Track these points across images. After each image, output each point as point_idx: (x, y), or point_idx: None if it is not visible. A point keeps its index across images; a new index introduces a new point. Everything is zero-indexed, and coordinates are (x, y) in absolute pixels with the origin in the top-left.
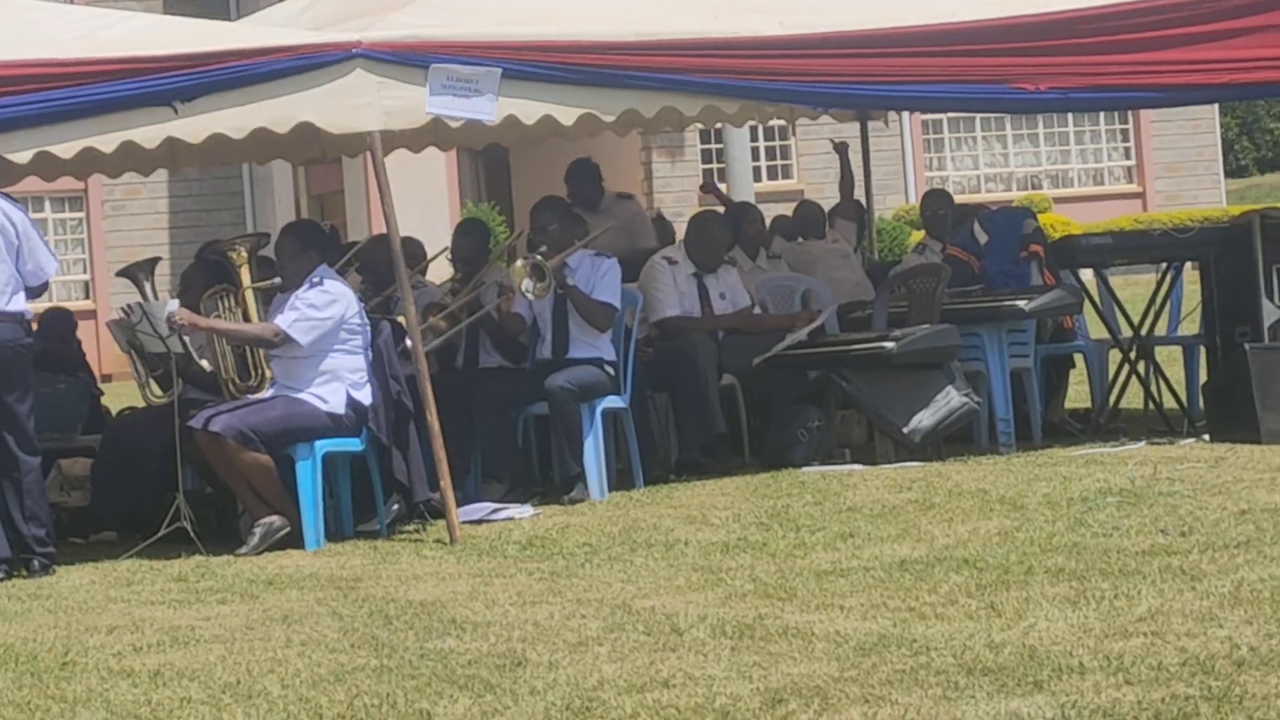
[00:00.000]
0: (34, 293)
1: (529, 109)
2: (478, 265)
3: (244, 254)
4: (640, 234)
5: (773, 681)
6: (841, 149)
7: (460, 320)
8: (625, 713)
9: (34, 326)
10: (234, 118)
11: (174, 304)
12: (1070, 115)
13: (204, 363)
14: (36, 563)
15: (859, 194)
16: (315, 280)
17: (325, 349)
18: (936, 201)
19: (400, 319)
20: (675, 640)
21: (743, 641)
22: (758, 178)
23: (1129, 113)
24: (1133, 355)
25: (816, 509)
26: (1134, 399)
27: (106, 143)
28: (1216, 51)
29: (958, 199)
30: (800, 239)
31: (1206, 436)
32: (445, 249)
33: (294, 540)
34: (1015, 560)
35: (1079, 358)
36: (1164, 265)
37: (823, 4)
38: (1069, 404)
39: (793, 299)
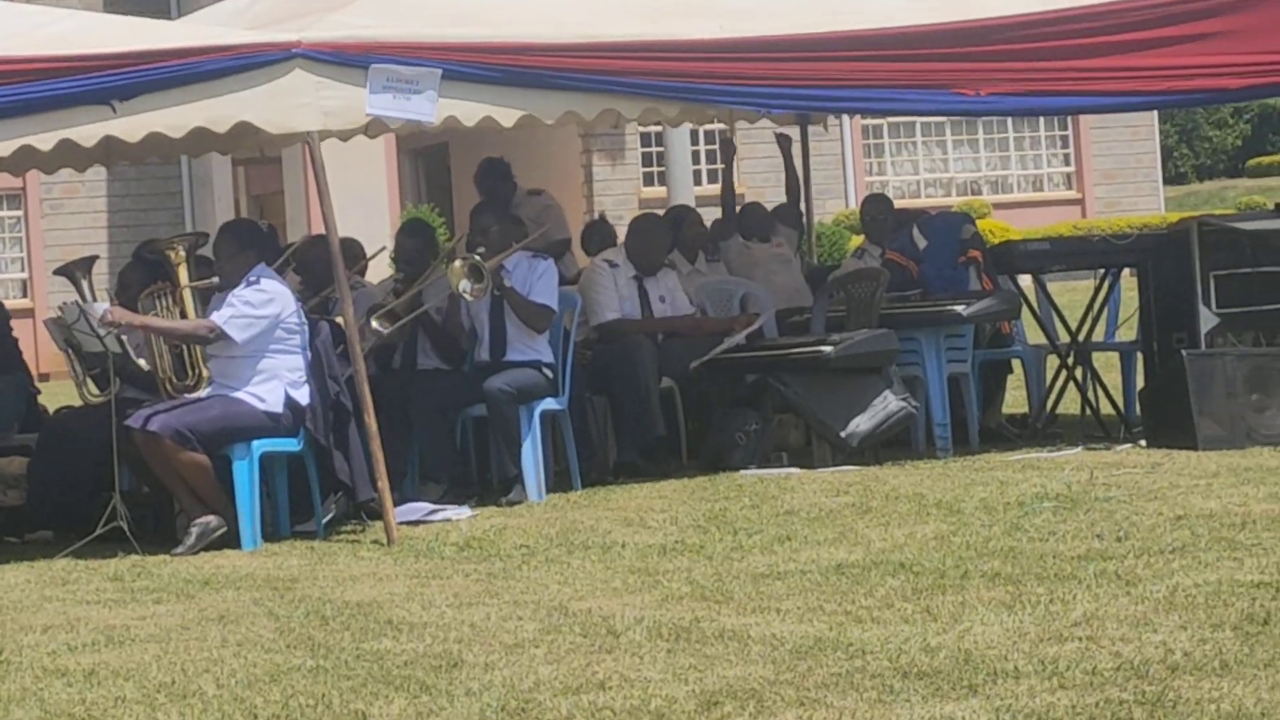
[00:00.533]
0: None
1: (469, 110)
2: (421, 267)
3: (182, 253)
4: (552, 227)
5: (708, 684)
6: (784, 142)
7: (401, 319)
8: (561, 714)
9: None
10: (172, 117)
11: (102, 306)
12: (1010, 121)
13: (141, 362)
14: None
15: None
16: (252, 279)
17: (262, 348)
18: (875, 206)
19: (339, 319)
20: (611, 642)
21: (679, 644)
22: (698, 181)
23: (1069, 119)
24: (1070, 361)
25: (754, 512)
26: (1071, 404)
27: (44, 141)
28: (1156, 59)
29: (898, 204)
30: (743, 241)
31: (1143, 442)
32: (383, 248)
33: (230, 540)
34: (951, 564)
35: (1017, 363)
36: (1102, 271)
37: (763, 7)
38: (1006, 409)
39: (731, 302)
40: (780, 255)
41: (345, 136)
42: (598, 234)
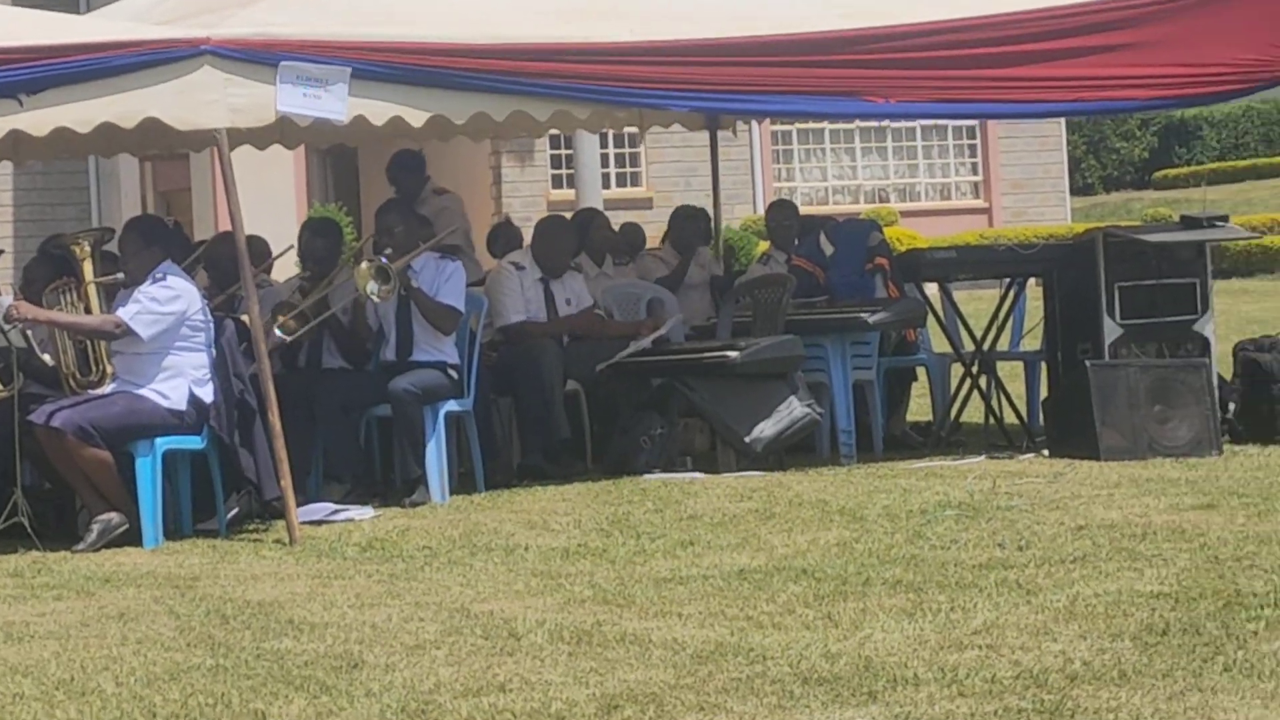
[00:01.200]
0: None
1: (378, 110)
2: (329, 266)
3: (87, 248)
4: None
5: (609, 688)
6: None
7: (309, 320)
8: (461, 716)
9: None
10: (80, 111)
11: (6, 300)
12: (918, 129)
13: (45, 357)
14: None
15: (704, 202)
16: (159, 276)
17: (167, 345)
18: (781, 212)
19: (244, 317)
20: (513, 645)
21: (580, 647)
22: (606, 184)
23: (977, 128)
24: (975, 369)
25: (657, 516)
26: (975, 413)
27: None
28: (1064, 69)
29: (805, 210)
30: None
31: (1046, 452)
32: (290, 247)
33: (132, 537)
34: (853, 571)
35: (921, 371)
36: (1007, 280)
37: (674, 12)
38: (910, 417)
39: (638, 306)
40: (700, 271)
41: (262, 145)
42: (504, 236)
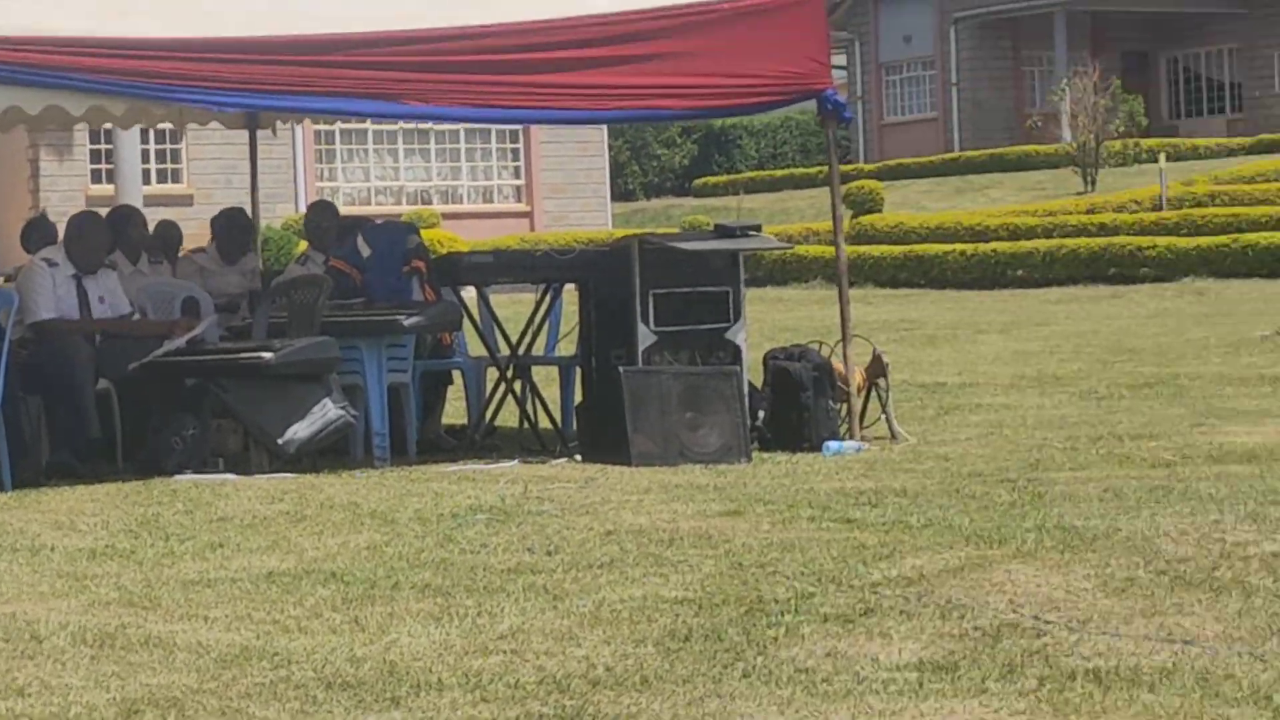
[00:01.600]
0: None
1: None
2: None
3: None
4: None
5: (130, 692)
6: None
7: None
8: None
9: None
10: None
11: None
12: (462, 132)
13: None
14: None
15: (245, 200)
16: None
17: None
18: (320, 213)
19: None
20: (34, 648)
21: (103, 651)
22: (147, 180)
23: (520, 132)
24: (510, 374)
25: (187, 518)
26: (510, 417)
27: None
28: (604, 77)
29: (348, 210)
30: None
31: (579, 457)
32: None
33: None
34: (382, 575)
35: (457, 374)
36: (544, 286)
37: (217, 10)
38: (445, 420)
39: (173, 305)
40: (248, 274)
41: None
42: (38, 231)
